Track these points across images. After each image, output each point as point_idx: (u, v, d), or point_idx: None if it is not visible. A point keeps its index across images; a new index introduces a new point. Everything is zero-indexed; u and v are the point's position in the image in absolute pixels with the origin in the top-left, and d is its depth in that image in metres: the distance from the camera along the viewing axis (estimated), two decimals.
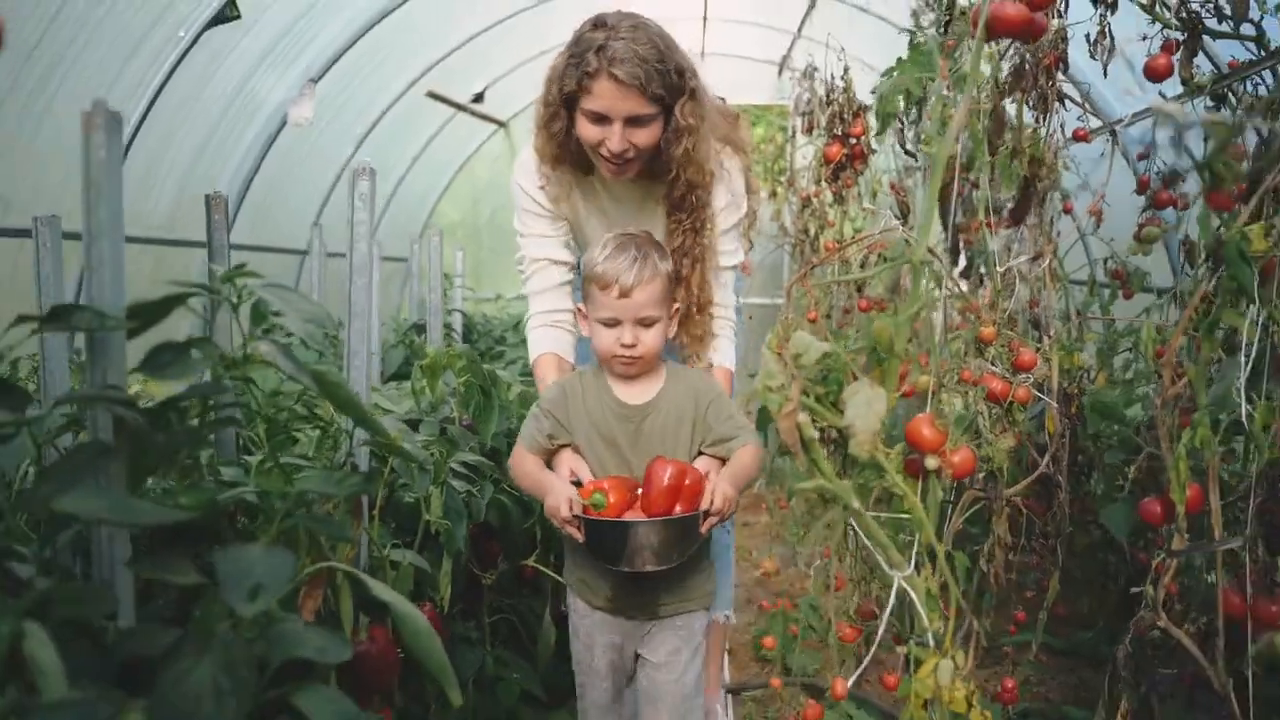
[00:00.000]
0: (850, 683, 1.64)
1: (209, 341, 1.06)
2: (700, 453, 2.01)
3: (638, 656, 2.07)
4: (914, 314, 1.39)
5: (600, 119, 2.05)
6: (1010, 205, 2.57)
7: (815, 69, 4.20)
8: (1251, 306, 1.46)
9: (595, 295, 1.96)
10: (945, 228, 3.02)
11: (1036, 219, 2.77)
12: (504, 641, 2.45)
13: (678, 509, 1.83)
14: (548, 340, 2.32)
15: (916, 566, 1.42)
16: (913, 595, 1.40)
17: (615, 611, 2.03)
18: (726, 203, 2.26)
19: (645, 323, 1.95)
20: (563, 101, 2.10)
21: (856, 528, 1.46)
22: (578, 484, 1.93)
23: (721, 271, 2.30)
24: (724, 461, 1.99)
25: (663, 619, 2.03)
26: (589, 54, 2.01)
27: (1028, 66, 2.48)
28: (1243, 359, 1.47)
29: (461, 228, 7.76)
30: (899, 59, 2.12)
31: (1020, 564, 3.28)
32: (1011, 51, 2.40)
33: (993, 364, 2.08)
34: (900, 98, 2.05)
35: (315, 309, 1.14)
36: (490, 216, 7.98)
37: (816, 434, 1.36)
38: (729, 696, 2.78)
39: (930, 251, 2.15)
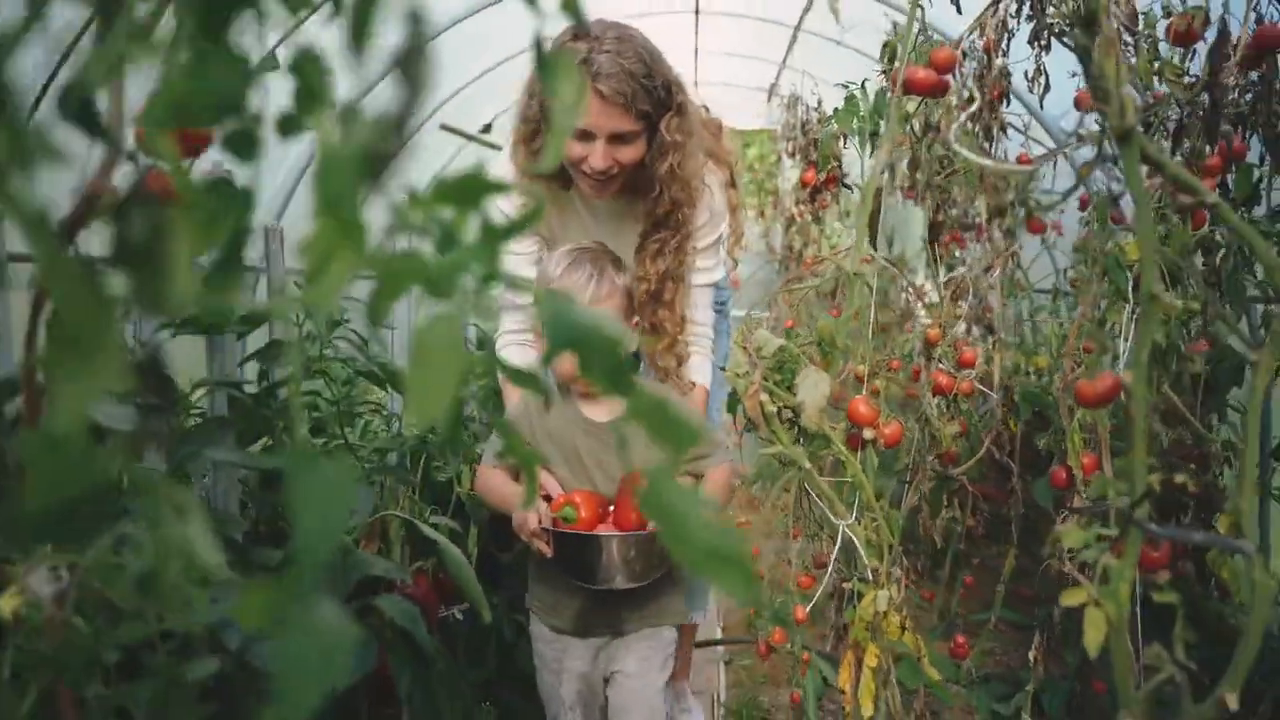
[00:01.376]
0: (807, 610, 1.98)
1: (301, 341, 1.40)
2: None
3: (606, 681, 2.01)
4: (851, 315, 1.73)
5: (583, 135, 1.94)
6: (968, 224, 2.92)
7: (798, 98, 4.55)
8: (1128, 305, 1.79)
9: None
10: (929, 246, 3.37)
11: (997, 234, 3.12)
12: (520, 614, 2.77)
13: (651, 525, 1.63)
14: (515, 358, 2.14)
15: (858, 519, 1.76)
16: (855, 540, 1.73)
17: (581, 632, 1.95)
18: (705, 220, 2.19)
19: None
20: (543, 116, 1.99)
21: (809, 488, 1.80)
22: (546, 499, 1.86)
23: (695, 290, 2.23)
24: (698, 480, 1.92)
25: (628, 635, 1.97)
26: None
27: (975, 102, 2.83)
28: (1122, 347, 1.80)
29: None
30: (835, 109, 2.44)
31: (988, 554, 3.62)
32: (963, 87, 2.75)
33: (939, 362, 2.42)
34: (839, 140, 2.37)
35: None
36: None
37: (775, 410, 1.70)
38: (723, 665, 3.10)
39: (892, 263, 2.50)
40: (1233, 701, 1.01)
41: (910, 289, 3.11)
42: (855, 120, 2.37)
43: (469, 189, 0.47)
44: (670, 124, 2.00)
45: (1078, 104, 2.79)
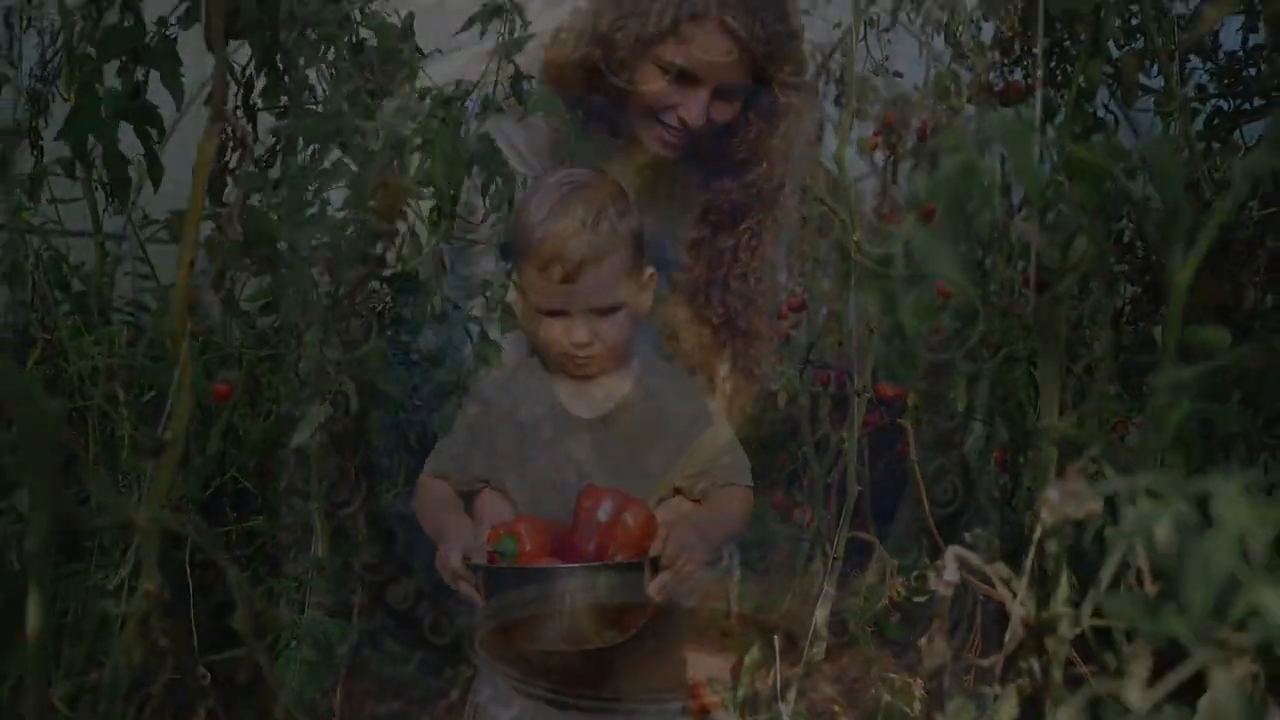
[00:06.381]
0: None
1: None
2: (676, 490, 1.40)
3: None
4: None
5: (682, 75, 1.46)
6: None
7: None
8: None
9: (530, 274, 1.31)
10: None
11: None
12: None
13: (619, 557, 1.22)
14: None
15: None
16: None
17: (559, 702, 1.37)
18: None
19: (602, 311, 1.32)
20: (634, 44, 1.46)
21: None
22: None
23: None
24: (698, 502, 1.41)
25: (626, 714, 1.41)
26: None
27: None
28: None
29: None
30: None
31: None
32: None
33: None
34: None
35: None
36: None
37: None
38: None
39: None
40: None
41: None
42: None
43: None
44: (788, 81, 1.52)
45: None
